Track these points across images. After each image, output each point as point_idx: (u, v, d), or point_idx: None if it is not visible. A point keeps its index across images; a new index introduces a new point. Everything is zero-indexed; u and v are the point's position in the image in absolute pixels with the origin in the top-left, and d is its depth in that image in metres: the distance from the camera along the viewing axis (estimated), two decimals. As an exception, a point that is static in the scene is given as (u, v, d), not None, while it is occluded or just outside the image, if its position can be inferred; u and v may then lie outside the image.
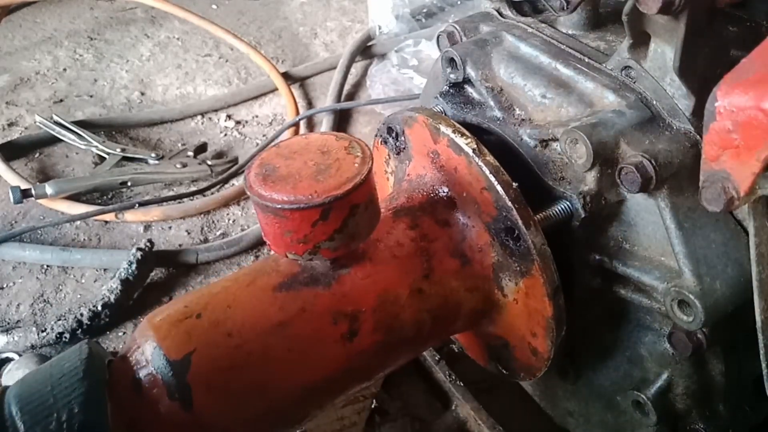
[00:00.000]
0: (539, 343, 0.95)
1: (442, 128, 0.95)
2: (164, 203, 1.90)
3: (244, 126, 2.25)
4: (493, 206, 0.91)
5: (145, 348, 0.82)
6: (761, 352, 0.83)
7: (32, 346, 1.50)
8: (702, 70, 0.89)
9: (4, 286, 1.71)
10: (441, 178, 0.98)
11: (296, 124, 2.16)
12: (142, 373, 0.81)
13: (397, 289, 0.91)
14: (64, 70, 2.48)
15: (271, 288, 0.87)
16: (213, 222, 1.91)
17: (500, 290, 0.96)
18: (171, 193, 1.96)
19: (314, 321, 0.86)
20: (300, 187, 0.80)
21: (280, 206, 0.79)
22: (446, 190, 0.98)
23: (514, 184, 0.90)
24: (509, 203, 0.88)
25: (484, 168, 0.90)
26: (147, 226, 1.88)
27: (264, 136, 2.20)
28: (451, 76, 1.10)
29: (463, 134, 0.93)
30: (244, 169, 2.05)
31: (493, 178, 0.89)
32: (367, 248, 0.91)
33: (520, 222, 0.88)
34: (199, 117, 2.27)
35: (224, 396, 0.81)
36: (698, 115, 0.86)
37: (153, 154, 2.01)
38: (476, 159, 0.91)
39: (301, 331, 0.86)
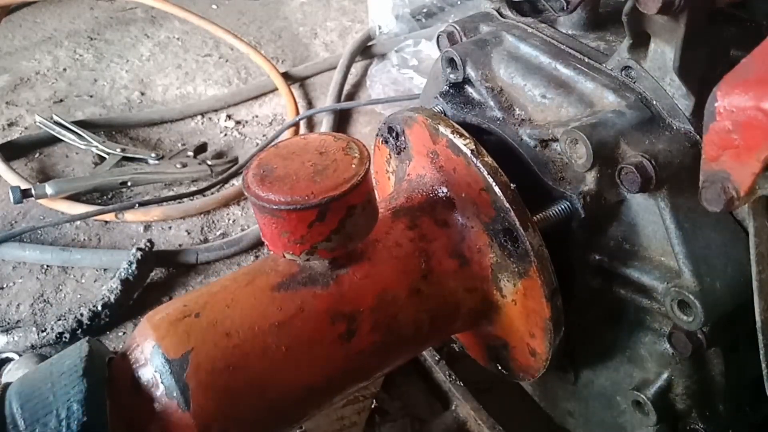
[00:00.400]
0: (537, 344, 0.95)
1: (441, 129, 0.95)
2: (164, 203, 1.90)
3: (244, 126, 2.25)
4: (492, 207, 0.91)
5: (144, 346, 0.82)
6: (761, 352, 0.83)
7: (32, 346, 1.50)
8: (702, 70, 0.89)
9: (4, 286, 1.71)
10: (440, 179, 0.98)
11: (296, 124, 2.16)
12: (141, 372, 0.81)
13: (395, 289, 0.91)
14: (64, 70, 2.48)
15: (270, 288, 0.87)
16: (213, 222, 1.91)
17: (499, 291, 0.96)
18: (171, 193, 1.96)
19: (312, 321, 0.86)
20: (297, 187, 0.80)
21: (276, 207, 0.80)
22: (445, 190, 0.98)
23: (512, 185, 0.90)
24: (507, 204, 0.88)
25: (482, 169, 0.90)
26: (147, 226, 1.88)
27: (264, 136, 2.20)
28: (451, 76, 1.10)
29: (461, 135, 0.93)
30: (244, 169, 2.06)
31: (491, 179, 0.89)
32: (366, 248, 0.91)
33: (517, 223, 0.88)
34: (199, 117, 2.27)
35: (222, 395, 0.81)
36: (698, 115, 0.86)
37: (153, 154, 2.01)
38: (474, 160, 0.91)
39: (299, 331, 0.86)
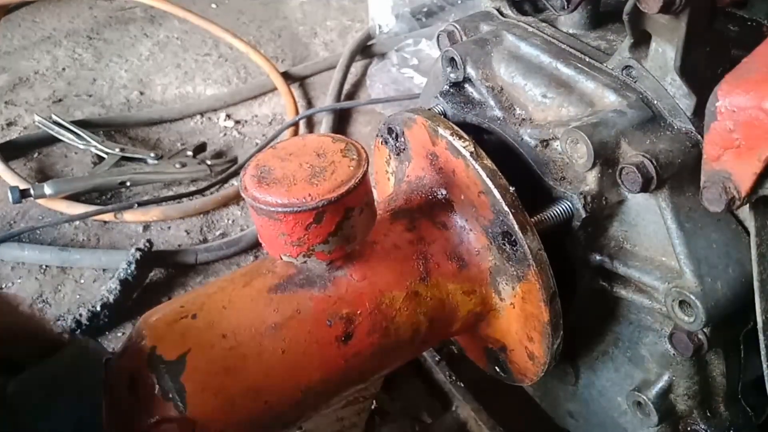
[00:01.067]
0: (536, 347, 0.94)
1: (441, 130, 0.94)
2: (163, 203, 1.89)
3: (243, 126, 2.25)
4: (490, 210, 0.90)
5: (141, 347, 0.82)
6: (762, 352, 0.83)
7: (31, 347, 1.50)
8: (703, 70, 0.89)
9: (4, 286, 1.71)
10: (439, 180, 0.98)
11: (296, 124, 2.15)
12: (137, 373, 0.81)
13: (393, 291, 0.91)
14: (63, 69, 2.48)
15: (267, 289, 0.87)
16: (212, 222, 1.91)
17: (497, 294, 0.95)
18: (170, 193, 1.96)
19: (309, 323, 0.86)
20: (294, 190, 0.80)
21: (274, 209, 0.79)
22: (444, 192, 0.98)
23: (511, 188, 0.89)
24: (506, 208, 0.88)
25: (481, 172, 0.90)
26: (146, 226, 1.87)
27: (263, 135, 2.20)
28: (452, 75, 1.10)
29: (461, 137, 0.93)
30: (242, 170, 2.05)
31: (489, 182, 0.89)
32: (364, 250, 0.91)
33: (516, 227, 0.88)
34: (198, 117, 2.27)
35: (218, 397, 0.81)
36: (699, 114, 0.85)
37: (152, 154, 2.01)
38: (473, 162, 0.90)
39: (296, 333, 0.85)
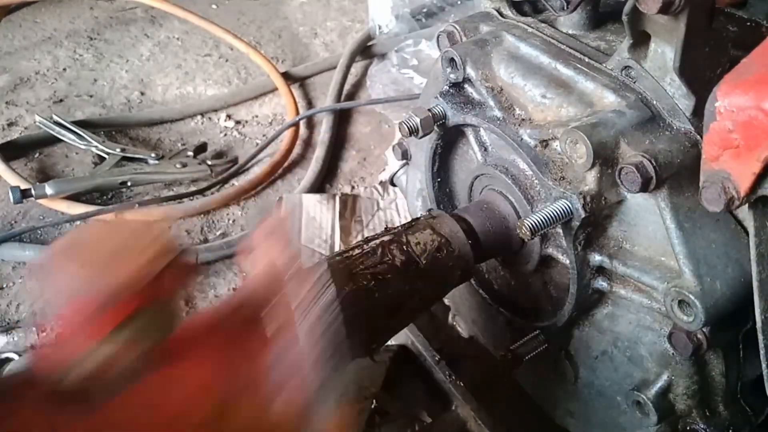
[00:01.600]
0: None
1: None
2: (164, 203, 1.90)
3: (244, 126, 2.25)
4: None
5: None
6: (761, 352, 0.83)
7: (32, 346, 1.50)
8: (702, 70, 0.89)
9: (4, 286, 1.71)
10: None
11: (296, 124, 2.16)
12: None
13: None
14: (64, 69, 2.48)
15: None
16: (213, 222, 1.91)
17: None
18: (171, 193, 1.96)
19: None
20: (86, 277, 0.67)
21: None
22: None
23: None
24: None
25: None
26: (147, 226, 1.87)
27: (264, 136, 2.20)
28: (451, 76, 1.10)
29: None
30: (244, 168, 2.04)
31: None
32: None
33: None
34: (198, 117, 2.27)
35: None
36: (699, 114, 0.86)
37: (153, 154, 2.01)
38: None
39: None
